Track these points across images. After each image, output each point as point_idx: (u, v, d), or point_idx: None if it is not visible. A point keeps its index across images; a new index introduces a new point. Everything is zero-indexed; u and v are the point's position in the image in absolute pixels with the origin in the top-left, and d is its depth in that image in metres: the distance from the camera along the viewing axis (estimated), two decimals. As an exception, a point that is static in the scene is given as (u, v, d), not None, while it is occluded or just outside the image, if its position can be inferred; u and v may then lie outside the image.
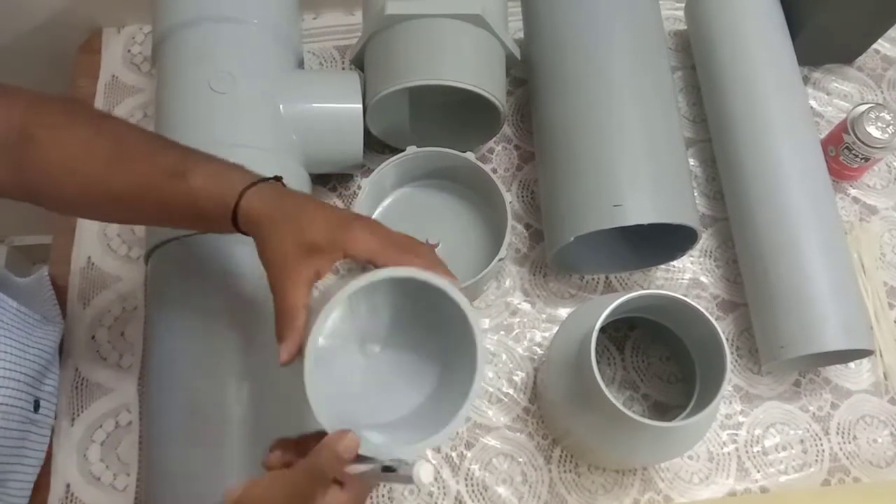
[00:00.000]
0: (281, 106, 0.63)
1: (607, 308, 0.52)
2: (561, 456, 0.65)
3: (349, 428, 0.38)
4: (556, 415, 0.61)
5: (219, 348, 0.54)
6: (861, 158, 0.72)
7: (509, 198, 0.65)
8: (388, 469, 0.37)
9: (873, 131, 0.70)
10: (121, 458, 0.64)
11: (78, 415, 0.66)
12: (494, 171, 0.76)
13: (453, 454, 0.65)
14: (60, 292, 0.70)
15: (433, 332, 0.44)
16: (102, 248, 0.72)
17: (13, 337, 0.58)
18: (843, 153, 0.73)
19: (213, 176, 0.45)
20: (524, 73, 0.77)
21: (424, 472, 0.36)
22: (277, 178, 0.46)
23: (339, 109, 0.67)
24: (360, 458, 0.38)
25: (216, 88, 0.61)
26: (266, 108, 0.63)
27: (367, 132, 0.68)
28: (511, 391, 0.67)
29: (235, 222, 0.44)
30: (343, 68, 0.81)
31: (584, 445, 0.61)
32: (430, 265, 0.40)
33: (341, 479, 0.38)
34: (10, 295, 0.61)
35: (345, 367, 0.44)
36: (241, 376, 0.54)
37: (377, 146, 0.74)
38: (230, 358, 0.54)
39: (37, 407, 0.61)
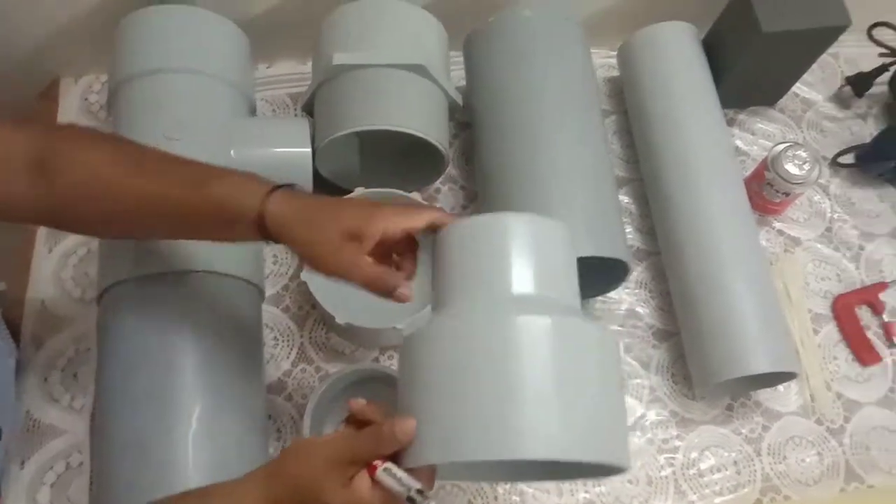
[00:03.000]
0: (232, 151, 0.66)
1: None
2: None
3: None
4: None
5: (169, 386, 0.56)
6: (782, 193, 0.77)
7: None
8: (410, 500, 0.40)
9: (791, 168, 0.75)
10: (71, 500, 0.64)
11: (28, 457, 0.66)
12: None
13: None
14: (13, 336, 0.71)
15: None
16: (56, 291, 0.73)
17: None
18: (765, 189, 0.78)
19: (235, 185, 0.48)
20: (468, 117, 0.81)
21: None
22: (291, 185, 0.49)
23: (289, 154, 0.69)
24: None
25: (169, 136, 0.63)
26: (217, 153, 0.65)
27: (317, 174, 0.71)
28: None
29: (262, 227, 0.47)
30: (295, 115, 0.84)
31: None
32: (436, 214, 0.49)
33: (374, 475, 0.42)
34: None
35: None
36: (191, 415, 0.55)
37: (327, 188, 0.77)
38: (180, 395, 0.56)
39: None
